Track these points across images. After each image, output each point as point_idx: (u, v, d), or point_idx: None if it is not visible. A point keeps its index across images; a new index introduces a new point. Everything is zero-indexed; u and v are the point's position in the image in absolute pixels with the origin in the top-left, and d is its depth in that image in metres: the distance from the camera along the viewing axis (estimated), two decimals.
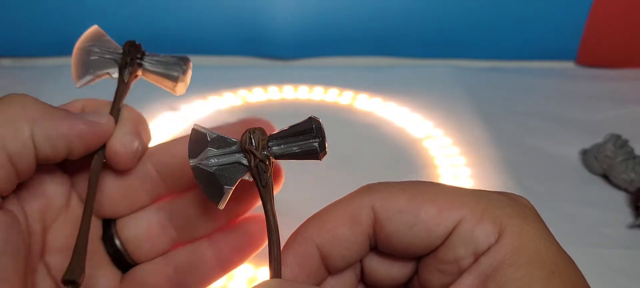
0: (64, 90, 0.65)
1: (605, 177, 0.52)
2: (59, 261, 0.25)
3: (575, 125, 0.60)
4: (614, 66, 0.72)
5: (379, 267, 0.23)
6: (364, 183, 0.23)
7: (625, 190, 0.50)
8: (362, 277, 0.24)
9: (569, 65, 0.74)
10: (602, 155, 0.51)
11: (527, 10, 0.69)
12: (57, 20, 0.68)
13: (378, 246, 0.22)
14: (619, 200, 0.50)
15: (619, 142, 0.51)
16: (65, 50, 0.76)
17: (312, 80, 0.65)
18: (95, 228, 0.26)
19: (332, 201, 0.23)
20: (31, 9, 0.67)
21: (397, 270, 0.23)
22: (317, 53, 0.72)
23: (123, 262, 0.26)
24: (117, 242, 0.26)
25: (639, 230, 0.47)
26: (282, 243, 0.22)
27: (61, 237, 0.25)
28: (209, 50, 0.71)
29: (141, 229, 0.26)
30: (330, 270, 0.22)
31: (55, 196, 0.25)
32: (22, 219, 0.23)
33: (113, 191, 0.25)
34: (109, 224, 0.26)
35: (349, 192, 0.23)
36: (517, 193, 0.22)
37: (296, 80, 0.66)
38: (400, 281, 0.23)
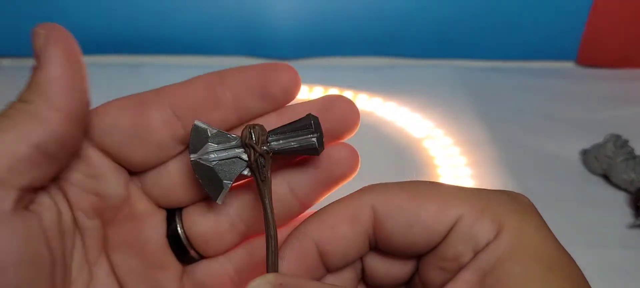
0: None
1: (606, 177, 0.52)
2: (122, 259, 0.23)
3: (576, 125, 0.60)
4: (614, 66, 0.72)
5: (380, 266, 0.23)
6: (364, 183, 0.23)
7: (626, 190, 0.50)
8: (363, 277, 0.24)
9: (569, 65, 0.74)
10: (603, 155, 0.51)
11: (527, 11, 0.69)
12: (57, 20, 0.68)
13: (379, 245, 0.22)
14: (619, 200, 0.50)
15: (619, 142, 0.51)
16: None
17: (312, 80, 0.65)
18: (159, 221, 0.24)
19: (331, 200, 0.23)
20: (31, 9, 0.67)
21: (398, 269, 0.23)
22: (317, 53, 0.72)
23: (186, 255, 0.24)
24: (182, 235, 0.24)
25: (639, 230, 0.47)
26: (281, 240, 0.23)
27: (123, 233, 0.23)
28: (209, 51, 0.72)
29: (209, 223, 0.24)
30: (329, 267, 0.23)
31: (109, 190, 0.23)
32: (66, 215, 0.22)
33: (181, 177, 0.23)
34: (173, 215, 0.24)
35: (348, 192, 0.23)
36: (516, 192, 0.22)
37: None
38: (401, 280, 0.23)
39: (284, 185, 0.23)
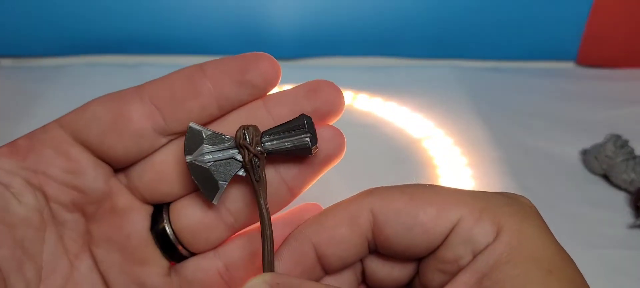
0: (64, 90, 0.65)
1: (606, 177, 0.52)
2: (104, 254, 0.24)
3: (576, 125, 0.60)
4: (614, 66, 0.72)
5: (381, 269, 0.23)
6: (363, 184, 0.23)
7: (626, 190, 0.50)
8: (364, 278, 0.24)
9: (569, 65, 0.74)
10: (603, 155, 0.51)
11: (527, 10, 0.69)
12: (57, 20, 0.68)
13: (378, 249, 0.22)
14: (619, 200, 0.50)
15: (619, 142, 0.51)
16: (66, 50, 0.76)
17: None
18: (143, 216, 0.24)
19: (331, 201, 0.23)
20: (31, 9, 0.67)
21: (398, 271, 0.23)
22: (317, 53, 0.72)
23: (174, 252, 0.24)
24: (169, 230, 0.24)
25: (639, 230, 0.46)
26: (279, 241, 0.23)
27: (105, 228, 0.24)
28: (208, 51, 0.71)
29: (196, 216, 0.24)
30: (327, 269, 0.23)
31: (89, 185, 0.23)
32: (27, 204, 0.22)
33: (166, 169, 0.23)
34: (160, 210, 0.24)
35: (348, 192, 0.23)
36: (517, 194, 0.22)
37: (296, 80, 0.65)
38: (402, 282, 0.23)
39: (271, 170, 0.23)
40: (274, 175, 0.23)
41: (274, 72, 0.23)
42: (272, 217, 0.24)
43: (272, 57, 0.23)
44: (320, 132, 0.23)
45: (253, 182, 0.22)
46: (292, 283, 0.20)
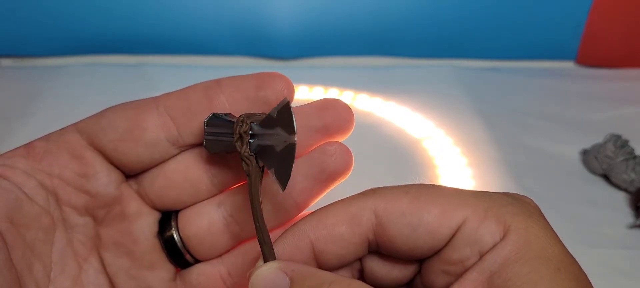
0: (64, 90, 0.65)
1: (606, 177, 0.52)
2: (112, 257, 0.24)
3: (575, 125, 0.60)
4: (614, 66, 0.72)
5: (380, 268, 0.23)
6: (365, 183, 0.23)
7: (626, 190, 0.50)
8: (362, 276, 0.24)
9: (569, 65, 0.74)
10: (603, 155, 0.51)
11: (527, 10, 0.69)
12: (57, 20, 0.68)
13: (380, 249, 0.22)
14: (619, 200, 0.50)
15: (619, 142, 0.51)
16: (66, 51, 0.76)
17: (312, 80, 0.65)
18: (151, 222, 0.24)
19: (330, 201, 0.23)
20: (31, 8, 0.67)
21: (398, 271, 0.23)
22: (317, 53, 0.72)
23: (180, 258, 0.25)
24: (177, 238, 0.24)
25: (639, 230, 0.47)
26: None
27: (113, 232, 0.24)
28: (208, 51, 0.71)
29: (203, 224, 0.24)
30: (323, 267, 0.22)
31: (100, 189, 0.23)
32: (38, 205, 0.23)
33: (177, 177, 0.24)
34: (168, 217, 0.25)
35: (348, 192, 0.23)
36: (519, 194, 0.22)
37: (296, 80, 0.65)
38: (402, 281, 0.23)
39: (277, 183, 0.23)
40: (281, 189, 0.24)
41: (288, 91, 0.24)
42: (279, 229, 0.24)
43: (287, 77, 0.24)
44: (328, 146, 0.23)
45: (259, 174, 0.22)
46: (307, 272, 0.20)
